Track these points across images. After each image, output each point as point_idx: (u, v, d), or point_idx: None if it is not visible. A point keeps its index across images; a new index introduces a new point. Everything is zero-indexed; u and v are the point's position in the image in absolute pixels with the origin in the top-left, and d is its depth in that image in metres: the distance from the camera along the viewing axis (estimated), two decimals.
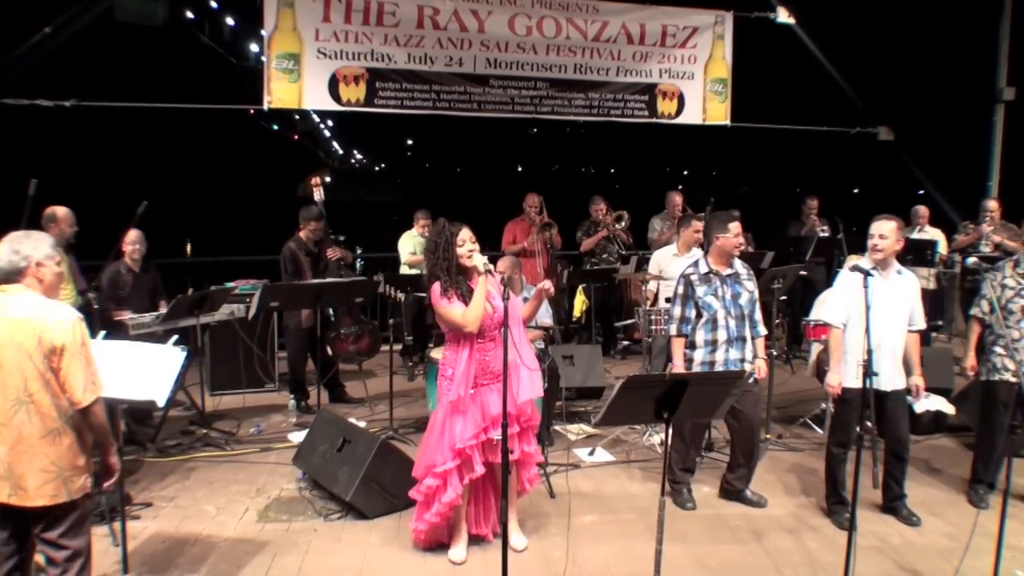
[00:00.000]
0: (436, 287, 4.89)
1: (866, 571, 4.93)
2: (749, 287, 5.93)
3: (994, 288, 5.99)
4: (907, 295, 5.64)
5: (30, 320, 3.56)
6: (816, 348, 7.66)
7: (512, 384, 4.83)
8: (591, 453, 7.03)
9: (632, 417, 5.10)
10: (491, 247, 5.31)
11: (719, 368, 5.72)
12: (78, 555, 3.74)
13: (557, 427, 7.58)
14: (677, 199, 10.57)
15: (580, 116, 11.09)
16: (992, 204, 9.95)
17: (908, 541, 5.49)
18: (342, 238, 9.18)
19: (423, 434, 7.25)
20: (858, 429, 4.83)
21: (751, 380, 5.87)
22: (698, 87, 11.30)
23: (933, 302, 10.70)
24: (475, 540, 5.32)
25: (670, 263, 8.00)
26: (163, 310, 7.49)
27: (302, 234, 8.14)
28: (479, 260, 4.79)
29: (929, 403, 7.56)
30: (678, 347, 5.95)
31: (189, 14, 13.38)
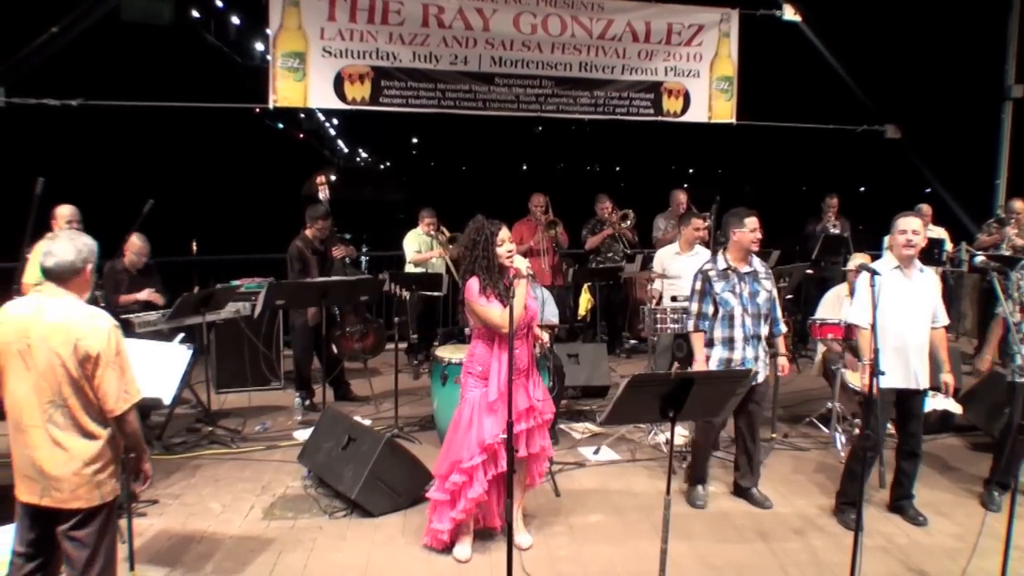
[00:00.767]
0: (474, 283, 4.88)
1: (873, 571, 4.93)
2: (767, 286, 5.90)
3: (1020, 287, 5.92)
4: (930, 292, 5.61)
5: (66, 325, 3.54)
6: (822, 347, 7.65)
7: (533, 379, 5.03)
8: (596, 452, 7.03)
9: (637, 416, 5.09)
10: None
11: (736, 366, 5.71)
12: (98, 557, 3.71)
13: (562, 426, 7.57)
14: (681, 197, 10.57)
15: (585, 114, 11.07)
16: (1019, 205, 9.87)
17: (915, 541, 5.48)
18: (347, 236, 9.17)
19: (429, 432, 7.34)
20: (867, 431, 4.82)
21: (760, 379, 5.86)
22: (704, 85, 11.27)
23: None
24: (490, 534, 5.35)
25: (672, 261, 8.00)
26: (142, 295, 7.57)
27: (308, 232, 8.14)
28: (521, 263, 4.78)
29: (936, 402, 7.54)
30: (698, 342, 5.91)
31: (195, 13, 13.42)
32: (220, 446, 7.15)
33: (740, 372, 5.22)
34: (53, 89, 9.35)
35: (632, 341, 10.91)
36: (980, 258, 5.84)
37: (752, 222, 5.79)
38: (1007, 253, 9.54)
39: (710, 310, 5.86)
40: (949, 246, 10.30)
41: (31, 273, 6.71)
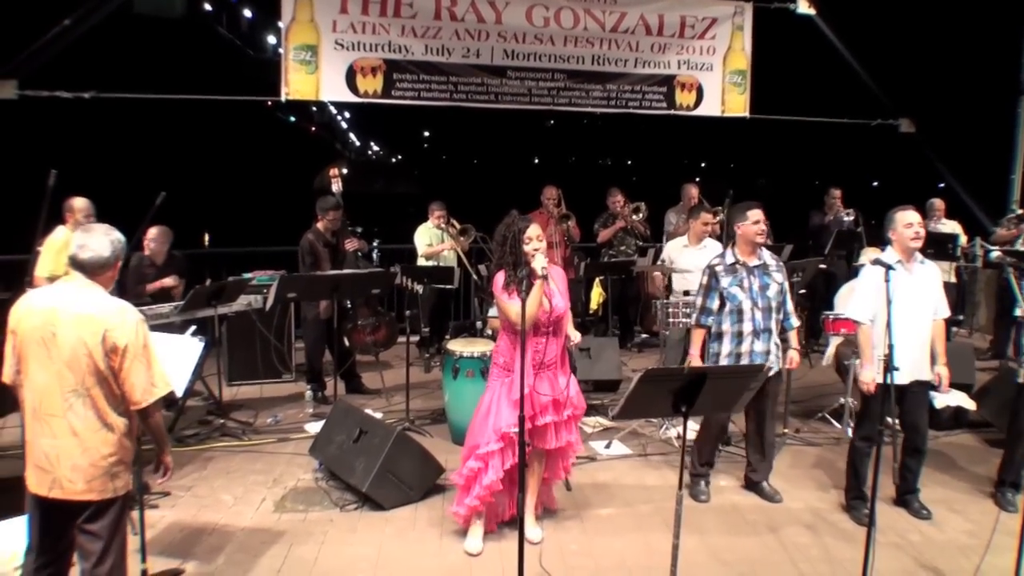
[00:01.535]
0: (500, 277, 4.94)
1: (885, 568, 4.90)
2: (778, 278, 5.87)
3: None
4: (932, 285, 5.59)
5: (95, 317, 3.55)
6: (835, 342, 7.62)
7: (563, 374, 5.08)
8: (608, 446, 7.02)
9: (650, 410, 5.07)
10: None
11: (745, 360, 5.69)
12: (111, 550, 3.72)
13: None
14: (693, 191, 10.53)
15: (598, 108, 11.03)
16: None
17: (928, 538, 5.45)
18: (359, 229, 9.17)
19: (440, 425, 7.35)
20: (879, 425, 4.79)
21: (773, 372, 5.83)
22: (717, 79, 11.21)
23: (954, 296, 10.64)
24: (508, 524, 5.37)
25: (680, 254, 7.98)
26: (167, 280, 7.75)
27: (320, 225, 8.14)
28: (540, 263, 4.78)
29: (950, 398, 7.51)
30: (696, 338, 5.93)
31: (207, 6, 13.47)
32: (232, 438, 7.16)
33: (753, 367, 5.19)
34: (66, 82, 9.36)
35: (643, 335, 10.89)
36: (996, 253, 5.82)
37: (755, 214, 5.76)
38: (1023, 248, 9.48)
39: (714, 305, 5.84)
40: (963, 241, 10.22)
41: (43, 266, 6.76)
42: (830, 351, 7.76)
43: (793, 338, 6.04)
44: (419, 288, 8.63)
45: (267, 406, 8.12)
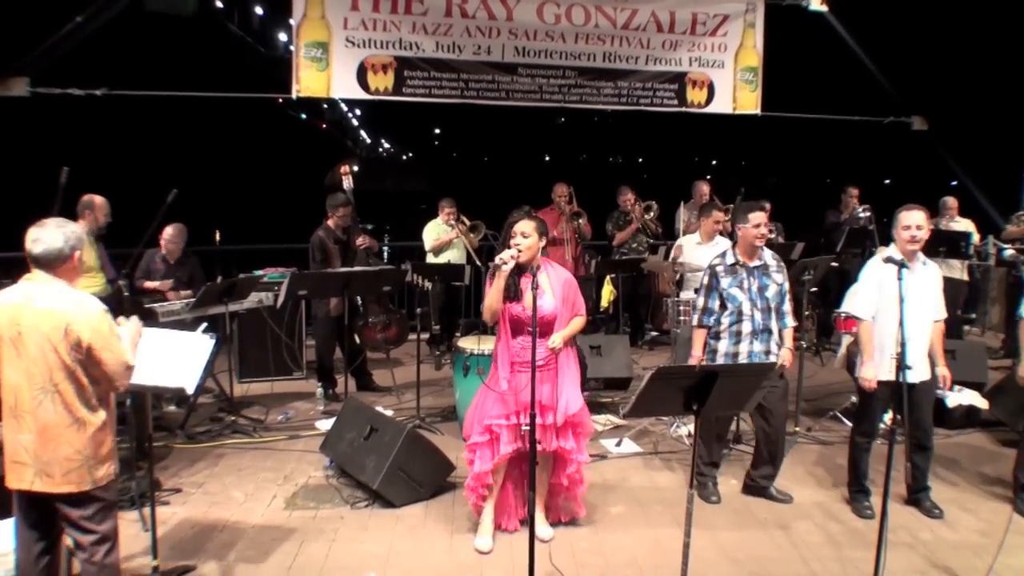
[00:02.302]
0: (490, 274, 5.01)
1: (897, 567, 4.88)
2: (778, 279, 5.85)
3: None
4: (933, 286, 5.58)
5: (55, 311, 3.56)
6: (847, 340, 7.58)
7: (551, 381, 5.02)
8: (618, 444, 7.01)
9: (661, 409, 5.06)
10: None
11: (743, 360, 5.67)
12: (105, 539, 3.77)
13: None
14: (704, 188, 10.51)
15: (609, 105, 11.00)
16: None
17: (940, 537, 5.43)
18: (369, 226, 9.19)
19: (451, 423, 7.35)
20: (890, 424, 4.77)
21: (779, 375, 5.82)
22: (728, 76, 11.17)
23: (966, 294, 10.59)
24: (521, 522, 5.37)
25: (692, 250, 7.96)
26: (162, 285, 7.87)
27: (330, 222, 8.15)
28: (504, 254, 4.83)
29: (962, 397, 7.48)
30: (698, 337, 5.92)
31: (218, 3, 13.47)
32: (243, 435, 7.18)
33: (765, 365, 5.18)
34: (77, 79, 9.39)
35: (654, 333, 10.87)
36: (1009, 251, 5.77)
37: (756, 217, 5.72)
38: None
39: (715, 305, 5.83)
40: (976, 239, 10.17)
41: None
42: (842, 350, 7.73)
43: (788, 337, 6.00)
44: (430, 285, 8.64)
45: (278, 403, 8.13)
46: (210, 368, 6.57)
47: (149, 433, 4.84)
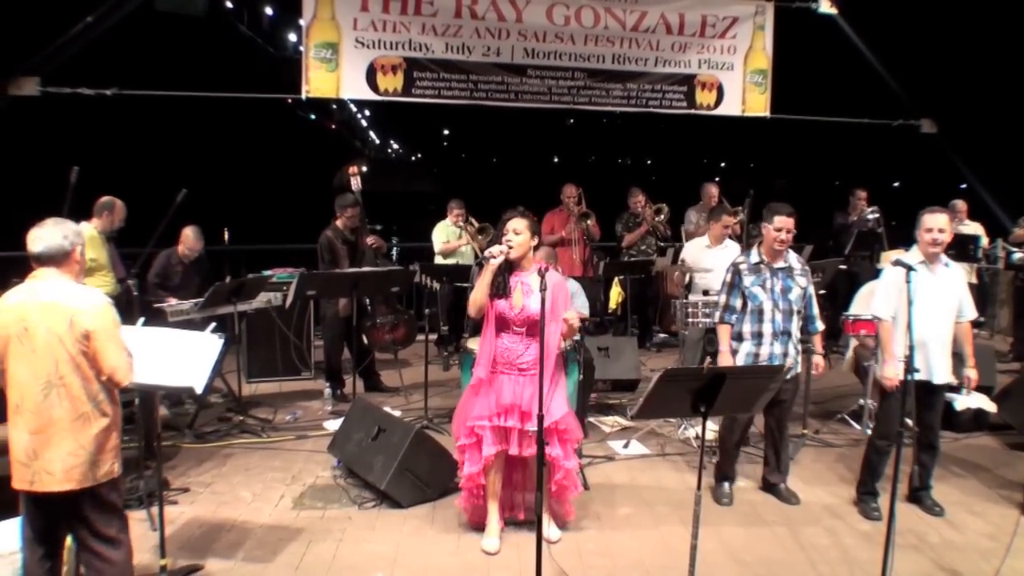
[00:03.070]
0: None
1: (904, 570, 4.87)
2: (802, 283, 5.83)
3: None
4: (956, 287, 5.56)
5: (61, 304, 3.59)
6: (854, 343, 7.58)
7: (536, 386, 4.88)
8: (626, 446, 7.01)
9: (669, 410, 5.05)
10: None
11: (763, 361, 5.67)
12: (113, 541, 3.76)
13: (592, 419, 7.56)
14: (713, 191, 10.50)
15: (618, 107, 11.01)
16: None
17: (947, 540, 5.41)
18: (378, 227, 9.21)
19: None
20: (898, 426, 4.76)
21: (791, 375, 5.81)
22: (737, 78, 11.17)
23: (975, 297, 10.56)
24: (518, 526, 5.39)
25: (701, 254, 7.95)
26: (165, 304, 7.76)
27: (339, 222, 8.17)
28: (494, 248, 4.90)
29: (970, 400, 7.45)
30: (724, 334, 5.89)
31: (228, 3, 13.46)
32: (251, 435, 7.20)
33: (773, 368, 5.17)
34: (88, 79, 9.43)
35: (662, 335, 10.86)
36: (1018, 255, 5.76)
37: (780, 221, 5.68)
38: None
39: (738, 303, 5.82)
40: (985, 242, 10.15)
41: None
42: (849, 353, 7.73)
43: (817, 342, 6.00)
44: (438, 286, 8.65)
45: (286, 403, 8.15)
46: (219, 368, 6.58)
47: (158, 432, 4.85)
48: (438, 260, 9.71)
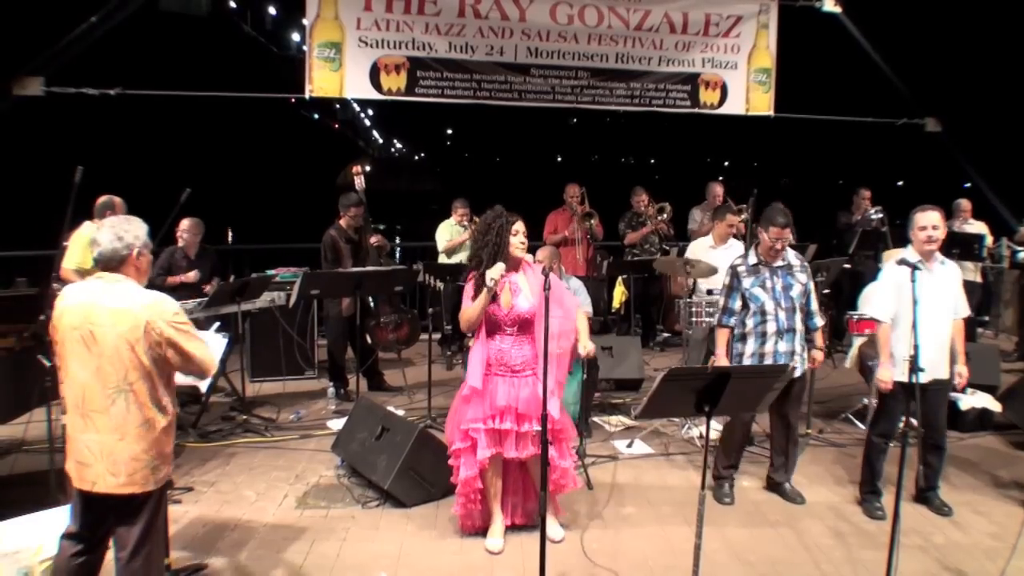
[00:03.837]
0: (471, 282, 4.96)
1: (909, 570, 4.86)
2: (802, 279, 5.83)
3: None
4: (951, 285, 5.56)
5: (133, 311, 3.56)
6: (858, 342, 7.57)
7: (531, 388, 4.93)
8: (629, 445, 7.00)
9: (673, 410, 5.05)
10: (531, 237, 5.32)
11: (769, 360, 5.66)
12: (148, 540, 3.74)
13: (595, 419, 7.56)
14: (718, 190, 10.49)
15: (621, 106, 10.99)
16: None
17: (952, 540, 5.40)
18: (381, 227, 9.22)
19: None
20: (903, 426, 4.76)
21: (797, 374, 5.80)
22: (741, 77, 11.15)
23: (980, 297, 10.54)
24: (521, 526, 5.38)
25: (705, 254, 7.94)
26: (188, 276, 7.94)
27: (342, 222, 8.17)
28: (494, 272, 4.76)
29: (975, 400, 7.45)
30: (720, 338, 5.91)
31: (232, 3, 13.53)
32: (254, 434, 7.20)
33: (777, 367, 5.17)
34: (92, 78, 9.44)
35: (666, 334, 10.86)
36: (1023, 254, 5.74)
37: (775, 232, 5.65)
38: None
39: (737, 306, 5.82)
40: (989, 241, 10.13)
41: (70, 258, 6.85)
42: (853, 352, 7.71)
43: (818, 338, 6.00)
44: (441, 285, 8.64)
45: (290, 403, 8.15)
46: (222, 367, 6.59)
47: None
48: (442, 259, 9.71)
